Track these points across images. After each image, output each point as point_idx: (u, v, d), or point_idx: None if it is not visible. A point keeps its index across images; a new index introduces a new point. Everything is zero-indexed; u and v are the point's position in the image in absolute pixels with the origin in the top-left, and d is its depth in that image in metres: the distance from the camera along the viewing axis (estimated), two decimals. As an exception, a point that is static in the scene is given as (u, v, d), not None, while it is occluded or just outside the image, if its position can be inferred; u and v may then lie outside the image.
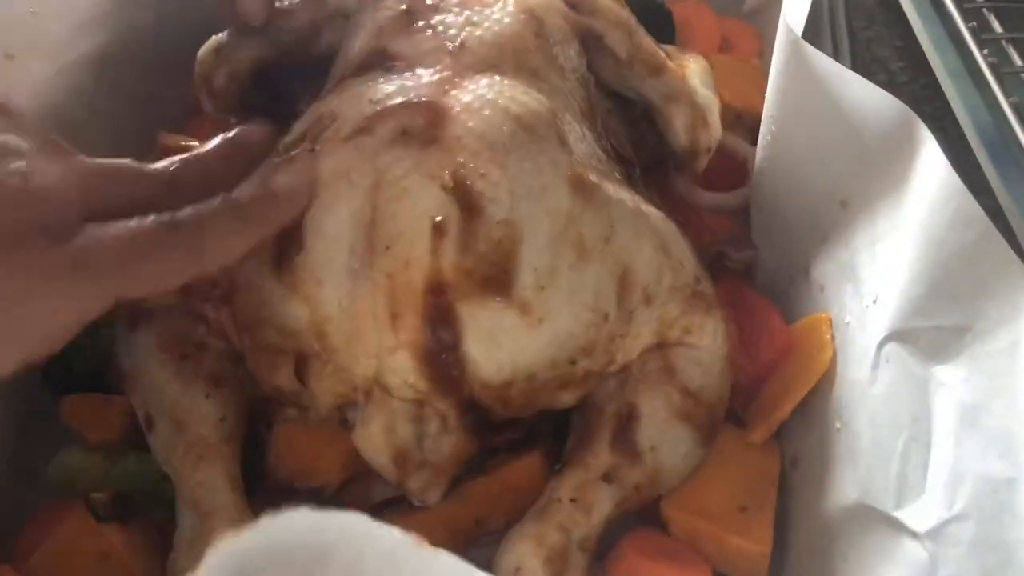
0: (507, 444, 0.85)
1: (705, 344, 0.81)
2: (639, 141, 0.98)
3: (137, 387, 0.82)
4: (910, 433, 0.68)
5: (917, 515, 0.65)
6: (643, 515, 0.83)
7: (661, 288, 0.80)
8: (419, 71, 0.81)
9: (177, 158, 0.72)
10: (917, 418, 0.67)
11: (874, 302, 0.75)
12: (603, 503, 0.77)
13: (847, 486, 0.74)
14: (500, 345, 0.73)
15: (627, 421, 0.78)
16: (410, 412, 0.72)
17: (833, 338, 0.81)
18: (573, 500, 0.76)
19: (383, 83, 0.80)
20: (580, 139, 0.81)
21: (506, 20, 0.84)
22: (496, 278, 0.73)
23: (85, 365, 0.90)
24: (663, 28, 1.18)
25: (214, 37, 0.99)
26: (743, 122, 1.11)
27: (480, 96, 0.78)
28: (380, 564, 0.46)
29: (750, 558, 0.78)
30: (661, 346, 0.80)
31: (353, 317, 0.74)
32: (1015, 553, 0.57)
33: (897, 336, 0.71)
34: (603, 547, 0.79)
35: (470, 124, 0.76)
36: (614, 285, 0.77)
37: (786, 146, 0.91)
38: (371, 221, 0.75)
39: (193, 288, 0.82)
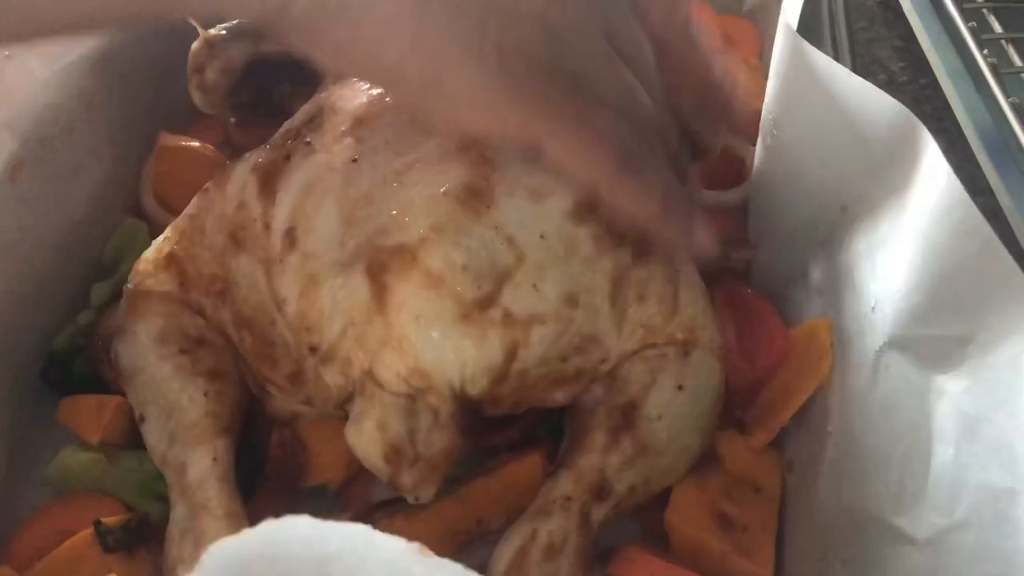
0: (507, 444, 0.85)
1: (696, 341, 0.81)
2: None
3: (134, 383, 0.82)
4: (910, 441, 0.68)
5: (917, 523, 0.65)
6: (645, 525, 0.84)
7: (654, 286, 0.80)
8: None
9: None
10: (917, 426, 0.67)
11: (873, 309, 0.75)
12: (598, 504, 0.77)
13: (845, 492, 0.74)
14: (492, 342, 0.74)
15: (621, 421, 0.78)
16: (402, 407, 0.73)
17: (833, 344, 0.81)
18: (568, 500, 0.76)
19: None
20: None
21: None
22: (491, 272, 0.73)
23: (84, 365, 0.90)
24: (663, 27, 1.18)
25: (208, 31, 0.99)
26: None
27: None
28: (382, 573, 0.46)
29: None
30: (655, 344, 0.80)
31: (346, 311, 0.74)
32: (1015, 563, 0.57)
33: (897, 344, 0.71)
34: (603, 548, 0.79)
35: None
36: (607, 282, 0.78)
37: (786, 148, 0.90)
38: (365, 216, 0.75)
39: (192, 281, 0.82)
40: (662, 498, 0.81)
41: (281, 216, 0.77)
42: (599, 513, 0.77)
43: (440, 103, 0.71)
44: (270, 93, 1.04)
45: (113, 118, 1.01)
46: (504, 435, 0.85)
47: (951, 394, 0.65)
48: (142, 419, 0.82)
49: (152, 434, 0.81)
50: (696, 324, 0.81)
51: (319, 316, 0.75)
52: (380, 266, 0.73)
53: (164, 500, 0.81)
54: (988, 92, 1.07)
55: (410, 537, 0.46)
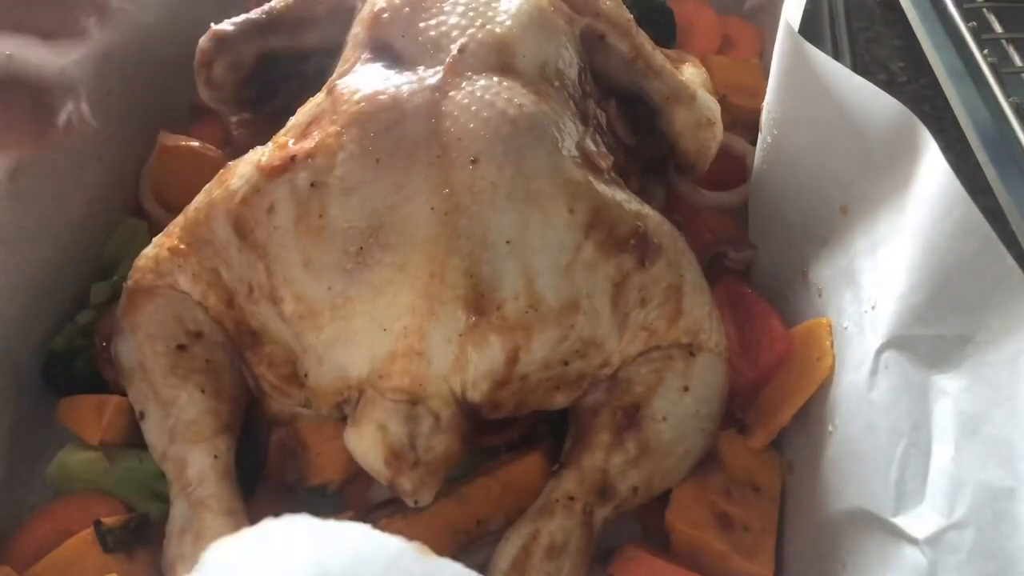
0: (507, 444, 0.85)
1: (702, 344, 0.81)
2: (641, 141, 0.98)
3: (134, 381, 0.83)
4: (909, 440, 0.68)
5: (916, 522, 0.65)
6: (646, 526, 0.84)
7: (657, 290, 0.80)
8: (419, 71, 0.81)
9: None
10: (917, 425, 0.67)
11: (873, 308, 0.75)
12: (601, 504, 0.77)
13: (845, 491, 0.74)
14: (493, 346, 0.74)
15: (626, 422, 0.78)
16: (403, 411, 0.72)
17: (832, 344, 0.81)
18: (571, 500, 0.76)
19: (384, 83, 0.80)
20: (578, 140, 0.81)
21: (507, 22, 0.84)
22: (491, 280, 0.73)
23: (84, 364, 0.90)
24: (664, 27, 1.19)
25: (216, 26, 0.99)
26: (742, 121, 1.11)
27: (478, 98, 0.78)
28: (382, 572, 0.46)
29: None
30: (658, 347, 0.80)
31: (346, 317, 0.74)
32: (1014, 561, 0.57)
33: (897, 343, 0.71)
34: (604, 548, 0.79)
35: (469, 126, 0.76)
36: (609, 287, 0.78)
37: (786, 148, 0.91)
38: (367, 224, 0.75)
39: (194, 275, 0.83)
40: (663, 498, 0.81)
41: (284, 215, 0.77)
42: (601, 513, 0.77)
43: None
44: (276, 90, 1.05)
45: (113, 118, 1.01)
46: (504, 435, 0.85)
47: (950, 393, 0.65)
48: (142, 416, 0.82)
49: (152, 431, 0.81)
50: (701, 327, 0.81)
51: (317, 320, 0.75)
52: (380, 269, 0.73)
53: (164, 499, 0.81)
54: (988, 92, 1.07)
55: (410, 537, 0.46)
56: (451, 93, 0.79)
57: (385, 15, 0.86)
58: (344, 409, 0.77)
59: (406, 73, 0.81)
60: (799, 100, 0.86)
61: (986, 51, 1.10)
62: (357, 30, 0.89)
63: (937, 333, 0.67)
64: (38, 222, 0.90)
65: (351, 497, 0.86)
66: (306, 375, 0.77)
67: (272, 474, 0.85)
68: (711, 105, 0.95)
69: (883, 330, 0.73)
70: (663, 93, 0.94)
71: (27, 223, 0.88)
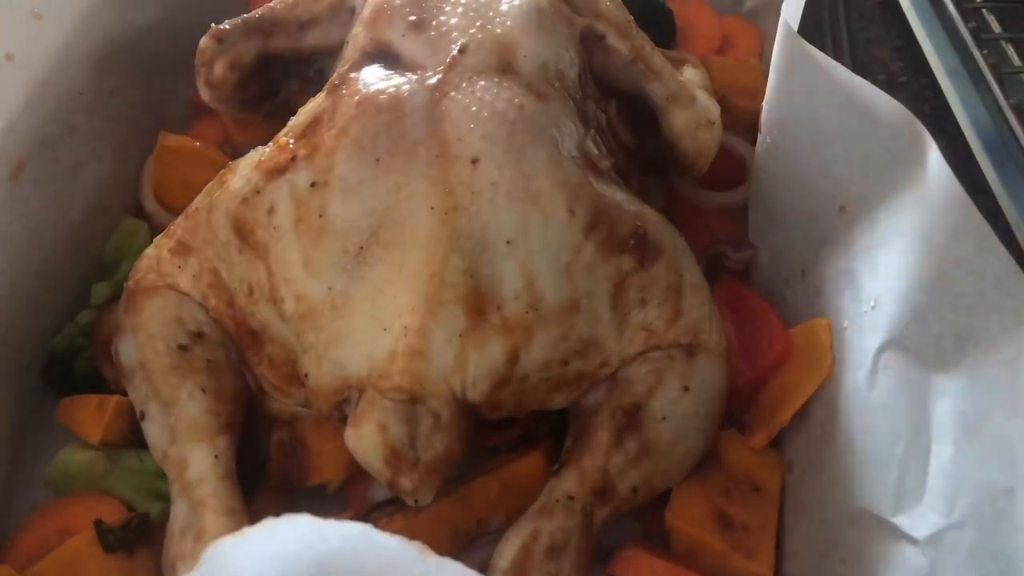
0: (507, 444, 0.85)
1: (702, 344, 0.81)
2: (641, 141, 0.98)
3: (135, 381, 0.83)
4: (909, 440, 0.68)
5: (916, 522, 0.66)
6: (646, 526, 0.84)
7: (657, 290, 0.80)
8: (420, 71, 0.81)
9: None
10: (916, 426, 0.67)
11: (872, 307, 0.75)
12: (601, 504, 0.77)
13: (845, 491, 0.74)
14: (494, 346, 0.74)
15: (626, 422, 0.78)
16: (402, 411, 0.73)
17: (832, 344, 0.81)
18: (571, 500, 0.76)
19: (384, 82, 0.80)
20: (578, 141, 0.81)
21: (508, 23, 0.84)
22: (491, 280, 0.74)
23: (85, 364, 0.90)
24: (664, 28, 1.19)
25: (216, 26, 0.99)
26: (742, 121, 1.11)
27: (479, 98, 0.78)
28: (382, 572, 0.46)
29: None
30: (658, 347, 0.80)
31: (346, 317, 0.74)
32: (1014, 561, 0.57)
33: (896, 343, 0.71)
34: (604, 548, 0.79)
35: (470, 126, 0.76)
36: (609, 287, 0.78)
37: (786, 148, 0.91)
38: (367, 224, 0.75)
39: (195, 275, 0.83)
40: (662, 498, 0.81)
41: (284, 215, 0.77)
42: (602, 513, 0.77)
43: None
44: (277, 89, 1.05)
45: (113, 118, 1.01)
46: (504, 435, 0.85)
47: (950, 393, 0.65)
48: (143, 416, 0.82)
49: (153, 431, 0.81)
50: (701, 327, 0.81)
51: (316, 318, 0.75)
52: (380, 268, 0.73)
53: (164, 499, 0.82)
54: (988, 92, 1.07)
55: (410, 537, 0.46)
56: (451, 93, 0.79)
57: (385, 15, 0.87)
58: (344, 409, 0.77)
59: (406, 73, 0.81)
60: (799, 100, 0.86)
61: (986, 51, 1.10)
62: (357, 30, 0.89)
63: (937, 333, 0.67)
64: (38, 222, 0.90)
65: (351, 497, 0.86)
66: (306, 375, 0.77)
67: (272, 474, 0.85)
68: (711, 106, 0.95)
69: (883, 330, 0.73)
70: (663, 94, 0.94)
71: (27, 223, 0.88)
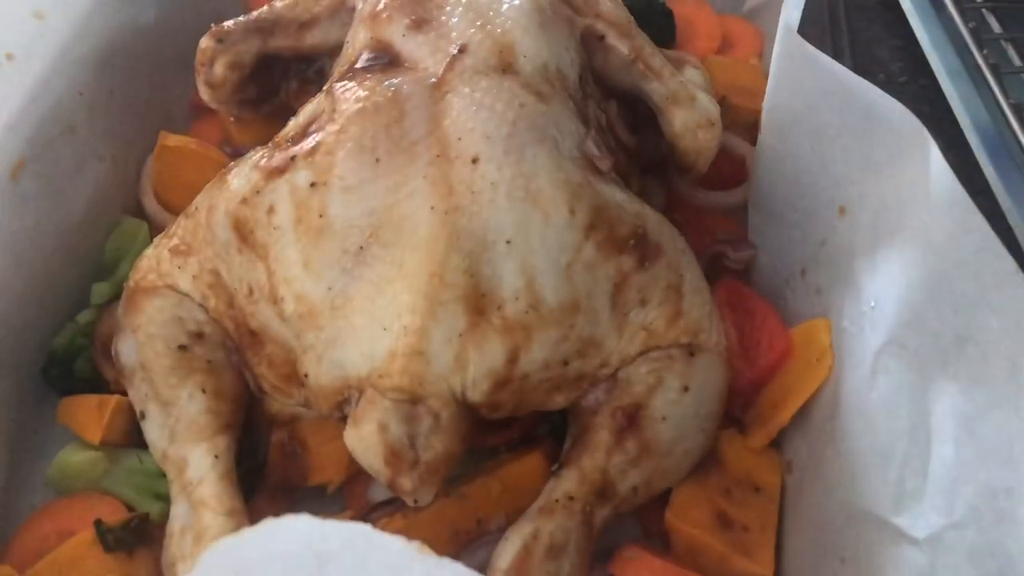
0: (507, 444, 0.85)
1: (701, 344, 0.81)
2: (641, 142, 0.98)
3: (134, 381, 0.83)
4: (909, 440, 0.68)
5: (916, 521, 0.65)
6: (646, 526, 0.84)
7: (657, 290, 0.80)
8: (420, 71, 0.81)
9: None
10: (916, 425, 0.67)
11: (873, 307, 0.75)
12: (601, 504, 0.77)
13: (845, 491, 0.74)
14: (494, 346, 0.74)
15: (626, 422, 0.78)
16: (402, 411, 0.72)
17: (832, 344, 0.81)
18: (571, 500, 0.76)
19: (384, 82, 0.80)
20: (579, 141, 0.81)
21: (508, 23, 0.84)
22: (491, 280, 0.74)
23: (85, 364, 0.90)
24: (664, 27, 1.19)
25: (216, 26, 0.99)
26: (742, 121, 1.11)
27: (478, 98, 0.78)
28: (382, 572, 0.46)
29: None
30: (658, 347, 0.80)
31: (346, 317, 0.74)
32: (1014, 561, 0.57)
33: (896, 343, 0.71)
34: (603, 548, 0.79)
35: (469, 126, 0.76)
36: (609, 287, 0.78)
37: (786, 148, 0.91)
38: (367, 223, 0.75)
39: (195, 275, 0.83)
40: (662, 498, 0.81)
41: (284, 215, 0.77)
42: (601, 513, 0.77)
43: None
44: (277, 89, 1.05)
45: (113, 118, 1.01)
46: (504, 435, 0.85)
47: (950, 393, 0.65)
48: (143, 416, 0.82)
49: (153, 431, 0.81)
50: (701, 327, 0.81)
51: (318, 317, 0.75)
52: (380, 268, 0.73)
53: (164, 499, 0.82)
54: (988, 92, 1.07)
55: (410, 536, 0.46)
56: (451, 93, 0.79)
57: (385, 15, 0.87)
58: (344, 409, 0.77)
59: (406, 73, 0.81)
60: (799, 100, 0.86)
61: (986, 51, 1.11)
62: (357, 30, 0.89)
63: (937, 333, 0.67)
64: (38, 222, 0.90)
65: (351, 497, 0.86)
66: (306, 375, 0.77)
67: (272, 474, 0.85)
68: (711, 106, 0.95)
69: (883, 330, 0.73)
70: (663, 94, 0.94)
71: (27, 223, 0.88)
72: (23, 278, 0.88)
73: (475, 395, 0.74)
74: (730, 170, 1.07)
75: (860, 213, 0.80)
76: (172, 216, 0.89)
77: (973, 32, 1.13)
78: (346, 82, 0.83)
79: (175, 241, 0.85)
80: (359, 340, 0.73)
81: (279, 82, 1.05)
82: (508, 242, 0.74)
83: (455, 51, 0.82)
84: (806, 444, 0.82)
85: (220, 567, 0.46)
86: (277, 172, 0.78)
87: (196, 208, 0.84)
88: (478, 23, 0.84)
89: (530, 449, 0.84)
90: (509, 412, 0.78)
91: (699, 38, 1.23)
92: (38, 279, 0.90)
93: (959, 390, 0.64)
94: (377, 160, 0.76)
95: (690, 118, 0.93)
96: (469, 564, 0.46)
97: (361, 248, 0.74)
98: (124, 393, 0.85)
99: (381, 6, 0.88)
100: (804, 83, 0.84)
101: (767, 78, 0.92)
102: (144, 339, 0.82)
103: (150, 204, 1.04)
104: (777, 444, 0.86)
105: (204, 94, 1.01)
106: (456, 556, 0.53)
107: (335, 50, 0.96)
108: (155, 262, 0.85)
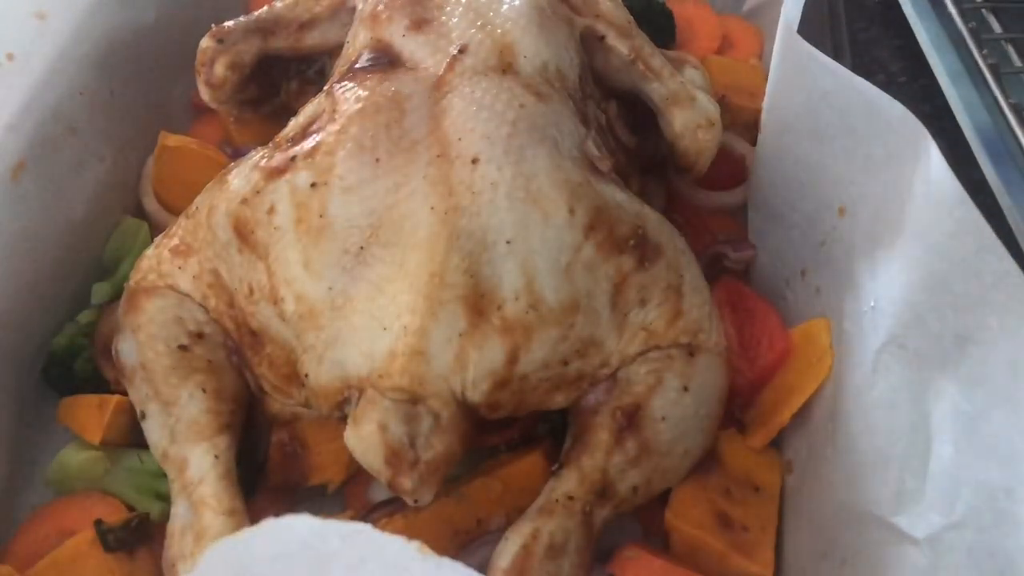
0: (507, 444, 0.85)
1: (701, 344, 0.81)
2: (641, 142, 0.98)
3: (135, 381, 0.83)
4: (909, 440, 0.68)
5: (916, 521, 0.66)
6: (646, 526, 0.84)
7: (657, 290, 0.80)
8: (420, 70, 0.81)
9: None
10: (916, 425, 0.67)
11: (872, 307, 0.75)
12: (600, 504, 0.77)
13: (845, 491, 0.74)
14: (493, 346, 0.74)
15: (625, 422, 0.78)
16: (402, 411, 0.72)
17: (832, 344, 0.81)
18: (571, 500, 0.76)
19: (384, 82, 0.80)
20: (578, 141, 0.81)
21: (508, 23, 0.84)
22: (491, 280, 0.74)
23: (85, 364, 0.90)
24: (663, 28, 1.19)
25: (216, 26, 0.99)
26: (742, 121, 1.11)
27: (478, 98, 0.78)
28: (382, 572, 0.46)
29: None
30: (658, 347, 0.80)
31: (346, 316, 0.74)
32: (1014, 561, 0.57)
33: (896, 343, 0.71)
34: (603, 548, 0.79)
35: (469, 126, 0.76)
36: (609, 287, 0.78)
37: (786, 148, 0.91)
38: (367, 223, 0.75)
39: (195, 275, 0.83)
40: (662, 498, 0.81)
41: (284, 215, 0.77)
42: (601, 513, 0.77)
43: None
44: (277, 89, 1.05)
45: (114, 118, 1.01)
46: (504, 435, 0.85)
47: (950, 393, 0.65)
48: (143, 416, 0.82)
49: (153, 431, 0.81)
50: (700, 327, 0.81)
51: (318, 317, 0.75)
52: (380, 268, 0.73)
53: (165, 499, 0.82)
54: (988, 92, 1.07)
55: (410, 536, 0.46)
56: (451, 93, 0.79)
57: (385, 15, 0.87)
58: (344, 409, 0.77)
59: (406, 73, 0.81)
60: (799, 100, 0.86)
61: (985, 51, 1.10)
62: (357, 30, 0.89)
63: (937, 333, 0.67)
64: (38, 222, 0.90)
65: (351, 497, 0.86)
66: (306, 375, 0.77)
67: (272, 474, 0.85)
68: (710, 106, 0.95)
69: (883, 330, 0.73)
70: (662, 94, 0.94)
71: (27, 223, 0.88)
72: (23, 278, 0.88)
73: (475, 395, 0.74)
74: (730, 170, 1.07)
75: (860, 213, 0.80)
76: (172, 216, 0.89)
77: (973, 32, 1.13)
78: (346, 82, 0.83)
79: (175, 241, 0.85)
80: (359, 340, 0.73)
81: (279, 82, 1.05)
82: (508, 242, 0.74)
83: (455, 51, 0.82)
84: (806, 444, 0.82)
85: (220, 567, 0.46)
86: (277, 172, 0.78)
87: (196, 208, 0.84)
88: (478, 23, 0.84)
89: (530, 449, 0.84)
90: (509, 412, 0.79)
91: (699, 38, 1.23)
92: (38, 279, 0.90)
93: (959, 390, 0.64)
94: (377, 160, 0.76)
95: (690, 118, 0.94)
96: (469, 564, 0.46)
97: (361, 248, 0.74)
98: (124, 393, 0.85)
99: (381, 6, 0.88)
100: (804, 83, 0.84)
101: (767, 78, 0.93)
102: (144, 339, 0.82)
103: (150, 204, 1.04)
104: (777, 444, 0.86)
105: (204, 94, 1.01)
106: (456, 556, 0.53)
107: (335, 50, 0.96)
108: (155, 262, 0.85)
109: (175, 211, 0.89)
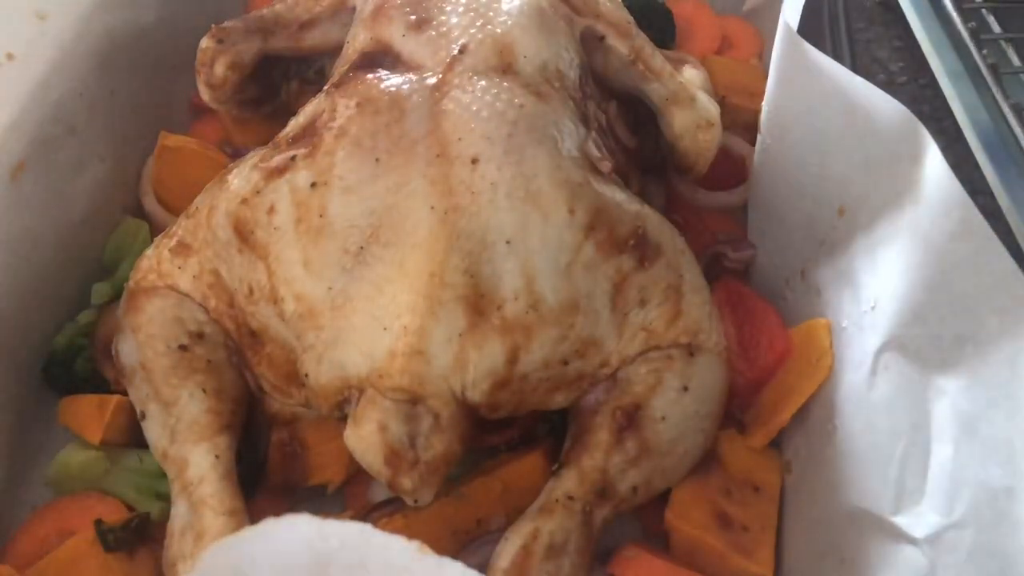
0: (507, 444, 0.85)
1: (701, 344, 0.81)
2: (641, 142, 0.98)
3: (135, 381, 0.83)
4: (909, 440, 0.68)
5: (916, 521, 0.66)
6: (646, 526, 0.84)
7: (657, 290, 0.80)
8: (420, 71, 0.81)
9: None
10: (916, 425, 0.67)
11: (872, 308, 0.75)
12: (600, 504, 0.77)
13: (845, 491, 0.74)
14: (493, 346, 0.74)
15: (625, 422, 0.78)
16: (402, 411, 0.72)
17: (832, 344, 0.81)
18: (571, 500, 0.76)
19: (384, 82, 0.80)
20: (578, 141, 0.81)
21: (508, 23, 0.84)
22: (491, 280, 0.74)
23: (85, 364, 0.90)
24: (663, 28, 1.19)
25: (216, 26, 0.99)
26: (742, 121, 1.11)
27: (479, 98, 0.78)
28: (382, 572, 0.46)
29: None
30: (658, 347, 0.80)
31: (346, 316, 0.74)
32: (1014, 561, 0.57)
33: (896, 343, 0.71)
34: (603, 548, 0.79)
35: (470, 126, 0.76)
36: (609, 287, 0.78)
37: (786, 148, 0.91)
38: (367, 223, 0.75)
39: (195, 275, 0.83)
40: (662, 498, 0.81)
41: (284, 215, 0.77)
42: (601, 513, 0.77)
43: None
44: (277, 89, 1.05)
45: (114, 118, 1.01)
46: (504, 435, 0.85)
47: (950, 393, 0.66)
48: (143, 416, 0.82)
49: (153, 431, 0.81)
50: (701, 327, 0.82)
51: (318, 317, 0.75)
52: (380, 268, 0.73)
53: (165, 499, 0.82)
54: (988, 92, 1.07)
55: (410, 536, 0.46)
56: (451, 93, 0.79)
57: (386, 15, 0.87)
58: (344, 409, 0.77)
59: (406, 73, 0.81)
60: (799, 100, 0.86)
61: (985, 52, 1.10)
62: (357, 30, 0.89)
63: (937, 333, 0.67)
64: (38, 222, 0.90)
65: (351, 497, 0.86)
66: (306, 375, 0.77)
67: (272, 474, 0.85)
68: (710, 107, 0.95)
69: (883, 330, 0.73)
70: (662, 95, 0.94)
71: (27, 223, 0.89)
72: (23, 278, 0.88)
73: (475, 395, 0.74)
74: (730, 170, 1.07)
75: (860, 213, 0.80)
76: (172, 216, 0.89)
77: (972, 32, 1.12)
78: (346, 82, 0.83)
79: (175, 241, 0.85)
80: (359, 340, 0.73)
81: (279, 82, 1.05)
82: (508, 242, 0.74)
83: (455, 51, 0.82)
84: (806, 444, 0.82)
85: (221, 567, 0.46)
86: (277, 172, 0.78)
87: (196, 208, 0.84)
88: (478, 23, 0.84)
89: (530, 449, 0.84)
90: (509, 412, 0.79)
91: (699, 38, 1.23)
92: (38, 279, 0.90)
93: (959, 390, 0.65)
94: (377, 160, 0.76)
95: (690, 119, 0.94)
96: (469, 564, 0.46)
97: (361, 248, 0.74)
98: (124, 393, 0.85)
99: (381, 6, 0.88)
100: (804, 83, 0.84)
101: (767, 78, 0.93)
102: (144, 339, 0.82)
103: (150, 204, 1.04)
104: (777, 444, 0.86)
105: (204, 94, 1.01)
106: (456, 556, 0.53)
107: (335, 50, 0.96)
108: (155, 262, 0.85)
109: (175, 211, 0.89)
